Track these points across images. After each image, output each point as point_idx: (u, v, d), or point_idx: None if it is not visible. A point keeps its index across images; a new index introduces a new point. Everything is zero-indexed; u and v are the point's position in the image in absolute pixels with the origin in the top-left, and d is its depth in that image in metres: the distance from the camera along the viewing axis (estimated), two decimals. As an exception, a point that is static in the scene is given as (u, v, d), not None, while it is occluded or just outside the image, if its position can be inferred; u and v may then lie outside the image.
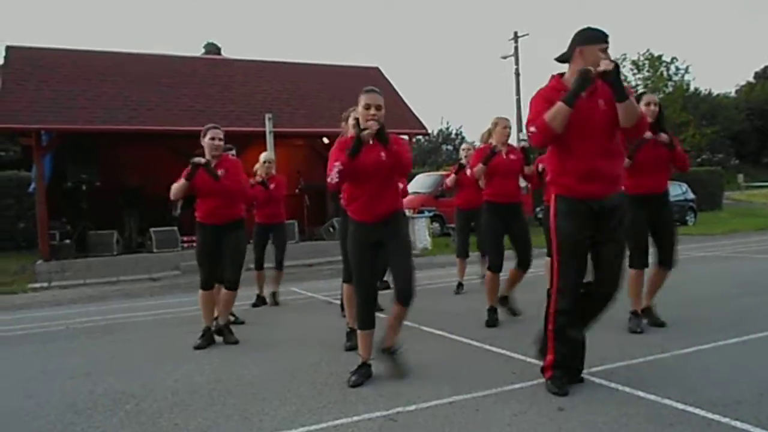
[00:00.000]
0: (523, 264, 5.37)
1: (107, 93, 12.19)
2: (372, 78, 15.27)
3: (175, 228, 12.50)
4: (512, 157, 5.44)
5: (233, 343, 5.05)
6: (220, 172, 4.86)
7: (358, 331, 3.82)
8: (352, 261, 3.78)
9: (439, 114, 70.10)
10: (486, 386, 3.48)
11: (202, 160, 4.82)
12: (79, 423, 3.33)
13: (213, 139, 4.92)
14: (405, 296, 3.65)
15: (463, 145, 7.65)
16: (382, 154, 3.60)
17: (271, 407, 3.38)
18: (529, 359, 4.00)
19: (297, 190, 14.06)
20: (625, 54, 37.98)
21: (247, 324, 6.03)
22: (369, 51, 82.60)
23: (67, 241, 11.36)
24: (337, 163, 3.57)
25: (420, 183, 18.14)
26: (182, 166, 4.93)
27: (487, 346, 4.47)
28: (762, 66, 48.31)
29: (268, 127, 9.64)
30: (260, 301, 7.20)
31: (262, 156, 6.93)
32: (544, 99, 3.28)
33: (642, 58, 37.11)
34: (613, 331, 4.56)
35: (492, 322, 5.22)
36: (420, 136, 25.79)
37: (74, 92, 12.01)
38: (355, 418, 3.11)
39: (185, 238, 12.77)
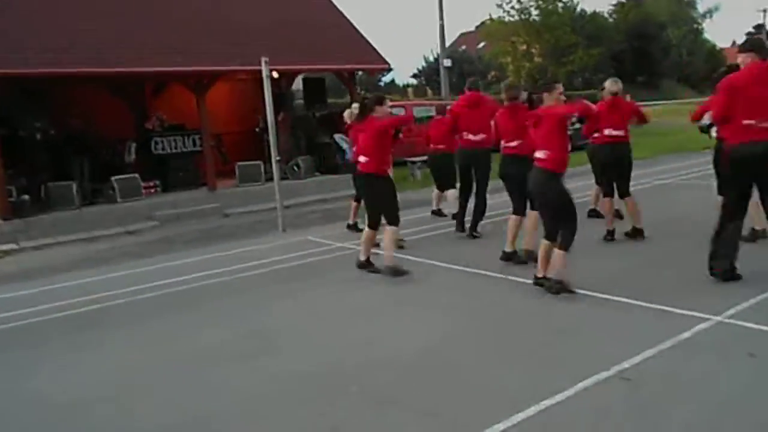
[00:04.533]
0: None
1: (54, 28, 10.84)
2: (321, 5, 14.71)
3: (137, 175, 11.75)
4: None
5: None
6: None
7: None
8: None
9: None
10: (659, 339, 3.98)
11: None
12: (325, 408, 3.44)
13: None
14: None
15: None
16: None
17: (499, 382, 3.68)
18: (649, 305, 4.56)
19: (257, 129, 13.60)
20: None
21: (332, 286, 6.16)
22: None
23: (26, 196, 10.36)
24: None
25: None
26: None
27: (601, 294, 4.98)
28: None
29: (265, 71, 9.16)
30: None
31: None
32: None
33: (536, -21, 38.00)
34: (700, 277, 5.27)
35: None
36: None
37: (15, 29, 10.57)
38: (593, 379, 3.50)
39: (144, 185, 12.11)
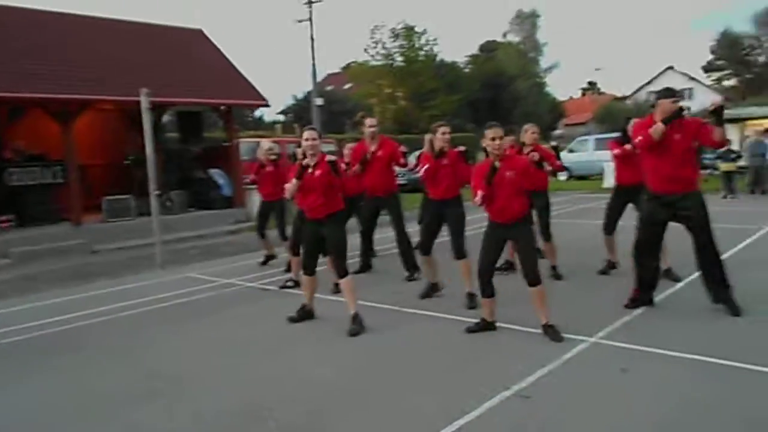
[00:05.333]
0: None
1: None
2: (197, 40, 14.53)
3: (-14, 209, 10.71)
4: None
5: (354, 334, 5.23)
6: (317, 172, 5.29)
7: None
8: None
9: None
10: (548, 360, 4.42)
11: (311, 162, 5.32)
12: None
13: (307, 139, 5.28)
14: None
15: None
16: (508, 173, 4.81)
17: (410, 403, 3.87)
18: (532, 330, 5.01)
19: (126, 162, 12.97)
20: (384, 23, 40.93)
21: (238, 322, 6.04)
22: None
23: None
24: (479, 192, 4.82)
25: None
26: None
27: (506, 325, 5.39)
28: (485, 40, 56.23)
29: (144, 103, 8.83)
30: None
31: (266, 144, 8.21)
32: (642, 126, 5.24)
33: (399, 28, 40.15)
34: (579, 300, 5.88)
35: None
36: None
37: None
38: (498, 398, 3.81)
39: (3, 218, 11.09)
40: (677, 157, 5.11)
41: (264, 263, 8.63)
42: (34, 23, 12.08)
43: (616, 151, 6.57)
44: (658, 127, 5.00)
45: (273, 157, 8.28)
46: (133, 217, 12.19)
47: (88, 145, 13.14)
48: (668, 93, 5.17)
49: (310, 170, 5.31)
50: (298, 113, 40.39)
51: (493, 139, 4.77)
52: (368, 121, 7.03)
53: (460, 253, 6.00)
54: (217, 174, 13.61)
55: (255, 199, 14.10)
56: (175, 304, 6.80)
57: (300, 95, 41.34)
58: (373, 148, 6.97)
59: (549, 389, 3.94)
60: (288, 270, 7.58)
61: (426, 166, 6.03)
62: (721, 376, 4.04)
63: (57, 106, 11.07)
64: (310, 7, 22.56)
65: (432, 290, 6.36)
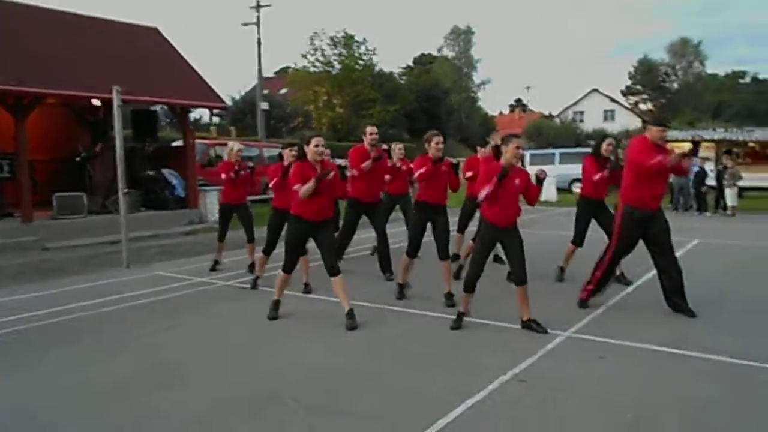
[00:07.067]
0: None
1: None
2: (153, 39, 14.37)
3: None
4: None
5: (352, 328, 5.52)
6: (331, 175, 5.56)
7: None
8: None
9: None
10: (533, 351, 4.91)
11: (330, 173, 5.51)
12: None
13: (317, 146, 5.52)
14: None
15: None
16: (517, 181, 5.27)
17: (421, 385, 4.24)
18: (514, 326, 5.52)
19: (77, 159, 12.65)
20: (324, 29, 41.14)
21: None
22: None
23: None
24: (486, 187, 5.14)
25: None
26: None
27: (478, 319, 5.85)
28: (420, 53, 57.55)
29: (116, 100, 8.75)
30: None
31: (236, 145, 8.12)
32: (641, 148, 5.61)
33: (339, 36, 40.50)
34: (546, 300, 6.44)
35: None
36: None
37: None
38: (498, 382, 4.24)
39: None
40: (665, 179, 5.84)
41: (213, 269, 8.51)
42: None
43: (597, 176, 6.88)
44: (678, 155, 5.37)
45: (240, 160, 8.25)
46: (84, 214, 11.92)
47: (34, 140, 12.73)
48: (658, 122, 5.73)
49: (330, 175, 5.52)
50: (235, 115, 39.83)
51: (518, 147, 5.25)
52: (370, 129, 7.30)
53: (447, 254, 6.41)
54: (170, 174, 13.49)
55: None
56: (155, 300, 6.87)
57: (237, 97, 40.70)
58: (372, 155, 7.25)
59: (540, 374, 4.42)
60: (252, 269, 7.92)
61: (423, 170, 6.29)
62: (667, 360, 4.68)
63: (10, 98, 10.72)
64: (258, 11, 22.58)
65: (404, 290, 6.74)
